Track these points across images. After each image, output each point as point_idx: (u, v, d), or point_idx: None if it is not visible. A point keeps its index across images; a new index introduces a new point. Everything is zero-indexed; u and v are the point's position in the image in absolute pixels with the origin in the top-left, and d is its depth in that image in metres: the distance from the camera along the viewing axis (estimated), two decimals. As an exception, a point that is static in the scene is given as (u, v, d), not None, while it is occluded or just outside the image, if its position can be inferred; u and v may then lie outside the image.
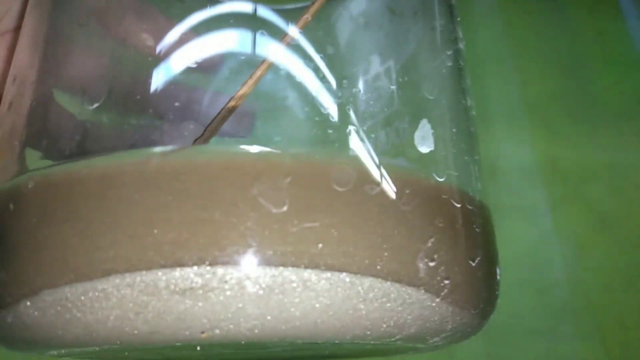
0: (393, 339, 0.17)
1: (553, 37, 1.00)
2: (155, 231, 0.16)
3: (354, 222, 0.16)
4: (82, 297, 0.16)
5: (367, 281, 0.16)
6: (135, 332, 0.16)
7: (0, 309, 0.17)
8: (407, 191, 0.17)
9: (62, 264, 0.16)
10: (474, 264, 0.18)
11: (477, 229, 0.19)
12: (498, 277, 0.20)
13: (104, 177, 0.16)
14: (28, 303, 0.16)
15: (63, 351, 0.18)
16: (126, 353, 0.19)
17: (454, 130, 0.20)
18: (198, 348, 0.20)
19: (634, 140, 0.98)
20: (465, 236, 0.18)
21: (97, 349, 0.17)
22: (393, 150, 0.19)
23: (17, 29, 0.25)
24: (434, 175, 0.19)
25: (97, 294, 0.16)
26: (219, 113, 0.18)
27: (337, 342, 0.17)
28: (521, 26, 0.97)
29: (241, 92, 0.19)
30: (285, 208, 0.16)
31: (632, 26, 0.98)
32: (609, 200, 0.98)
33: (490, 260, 0.19)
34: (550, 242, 0.98)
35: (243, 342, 0.17)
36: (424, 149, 0.19)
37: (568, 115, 0.97)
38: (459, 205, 0.18)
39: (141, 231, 0.16)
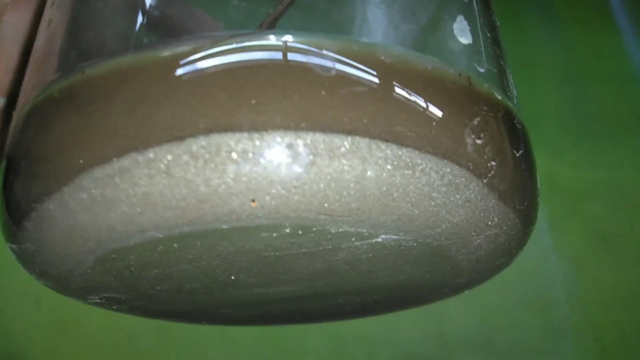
0: (439, 229, 0.17)
1: (549, 54, 1.00)
2: (204, 93, 0.15)
3: (401, 93, 0.16)
4: (133, 172, 0.15)
5: (415, 154, 0.16)
6: (184, 203, 0.15)
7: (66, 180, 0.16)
8: (452, 71, 0.17)
9: (111, 135, 0.16)
10: (517, 155, 0.17)
11: (518, 126, 0.18)
12: (538, 184, 0.19)
13: (175, 56, 0.16)
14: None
15: (104, 248, 0.17)
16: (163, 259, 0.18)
17: (488, 35, 0.19)
18: (232, 277, 0.20)
19: (632, 157, 0.98)
20: (507, 127, 0.18)
21: (134, 245, 0.17)
22: (436, 40, 0.18)
23: None
24: (475, 65, 0.18)
25: (146, 165, 0.15)
26: None
27: (384, 230, 0.16)
28: (517, 44, 0.98)
29: None
30: (333, 73, 0.15)
31: (629, 43, 0.99)
32: (608, 217, 0.98)
33: (531, 160, 0.18)
34: (550, 260, 0.97)
35: (288, 227, 0.16)
36: (463, 39, 0.18)
37: (565, 133, 0.98)
38: (500, 97, 0.18)
39: (193, 96, 0.15)
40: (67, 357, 0.93)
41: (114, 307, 0.22)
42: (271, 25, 0.19)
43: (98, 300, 0.21)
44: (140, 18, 0.19)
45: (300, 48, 0.16)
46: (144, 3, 0.19)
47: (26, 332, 0.94)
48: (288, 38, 0.16)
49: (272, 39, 0.16)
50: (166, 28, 0.20)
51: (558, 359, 0.97)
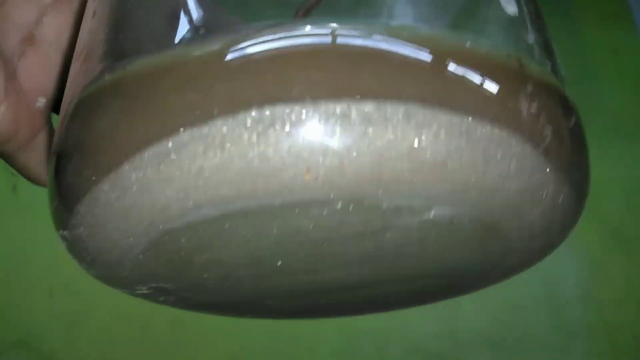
0: (493, 201, 0.16)
1: (566, 52, 1.00)
2: (256, 67, 0.15)
3: (454, 60, 0.16)
4: (188, 148, 0.15)
5: (470, 122, 0.15)
6: (238, 177, 0.15)
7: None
8: (503, 39, 0.17)
9: (165, 112, 0.16)
10: (571, 124, 0.17)
11: (568, 97, 0.18)
12: (589, 159, 0.19)
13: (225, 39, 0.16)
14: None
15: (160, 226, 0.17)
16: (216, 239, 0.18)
17: (532, 6, 0.20)
18: (279, 262, 0.20)
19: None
20: (559, 95, 0.17)
21: (190, 221, 0.17)
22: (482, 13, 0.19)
23: None
24: (524, 37, 0.18)
25: (200, 140, 0.15)
26: None
27: (437, 201, 0.16)
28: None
29: None
30: (384, 43, 0.15)
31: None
32: (623, 216, 0.98)
33: (583, 133, 0.18)
34: (564, 258, 0.97)
35: (339, 202, 0.16)
36: (510, 9, 0.18)
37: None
38: (550, 66, 0.18)
39: (244, 70, 0.15)
40: (80, 346, 0.93)
41: (160, 298, 0.22)
42: (306, 14, 0.19)
43: (146, 291, 0.21)
44: (181, 13, 0.19)
45: (349, 24, 0.16)
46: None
47: (40, 322, 0.94)
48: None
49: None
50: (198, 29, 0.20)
51: (570, 358, 0.96)
